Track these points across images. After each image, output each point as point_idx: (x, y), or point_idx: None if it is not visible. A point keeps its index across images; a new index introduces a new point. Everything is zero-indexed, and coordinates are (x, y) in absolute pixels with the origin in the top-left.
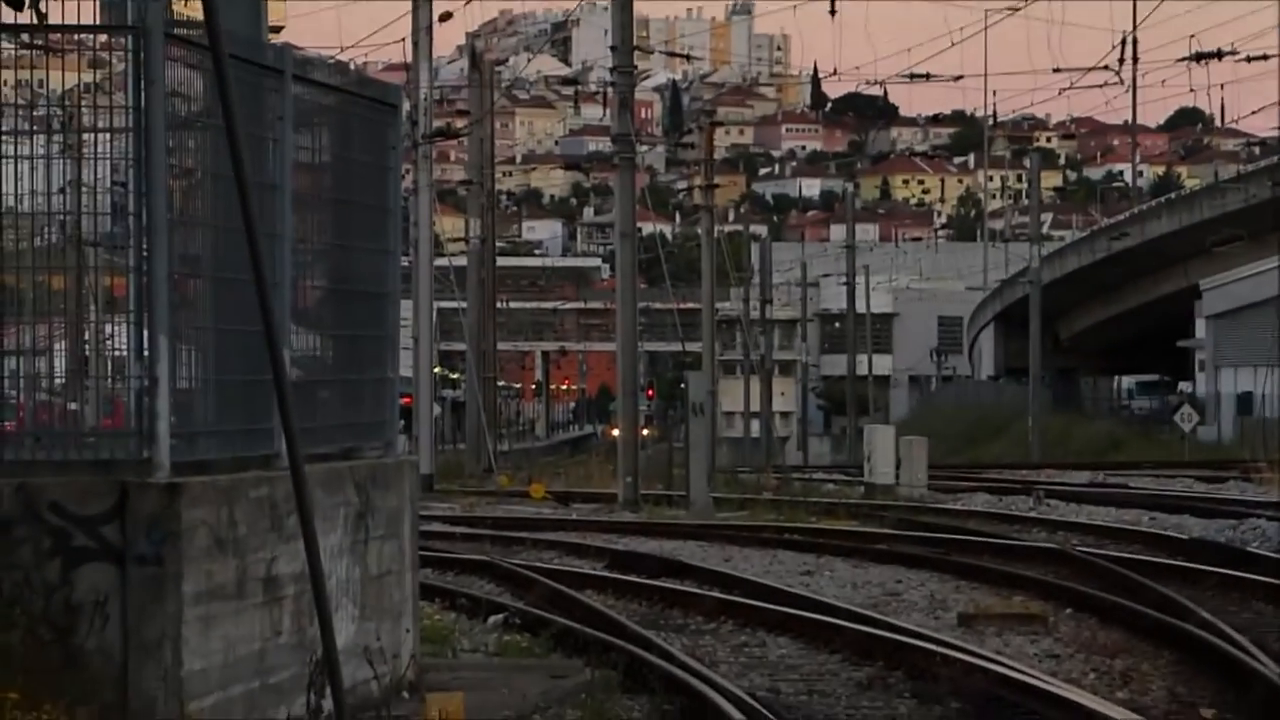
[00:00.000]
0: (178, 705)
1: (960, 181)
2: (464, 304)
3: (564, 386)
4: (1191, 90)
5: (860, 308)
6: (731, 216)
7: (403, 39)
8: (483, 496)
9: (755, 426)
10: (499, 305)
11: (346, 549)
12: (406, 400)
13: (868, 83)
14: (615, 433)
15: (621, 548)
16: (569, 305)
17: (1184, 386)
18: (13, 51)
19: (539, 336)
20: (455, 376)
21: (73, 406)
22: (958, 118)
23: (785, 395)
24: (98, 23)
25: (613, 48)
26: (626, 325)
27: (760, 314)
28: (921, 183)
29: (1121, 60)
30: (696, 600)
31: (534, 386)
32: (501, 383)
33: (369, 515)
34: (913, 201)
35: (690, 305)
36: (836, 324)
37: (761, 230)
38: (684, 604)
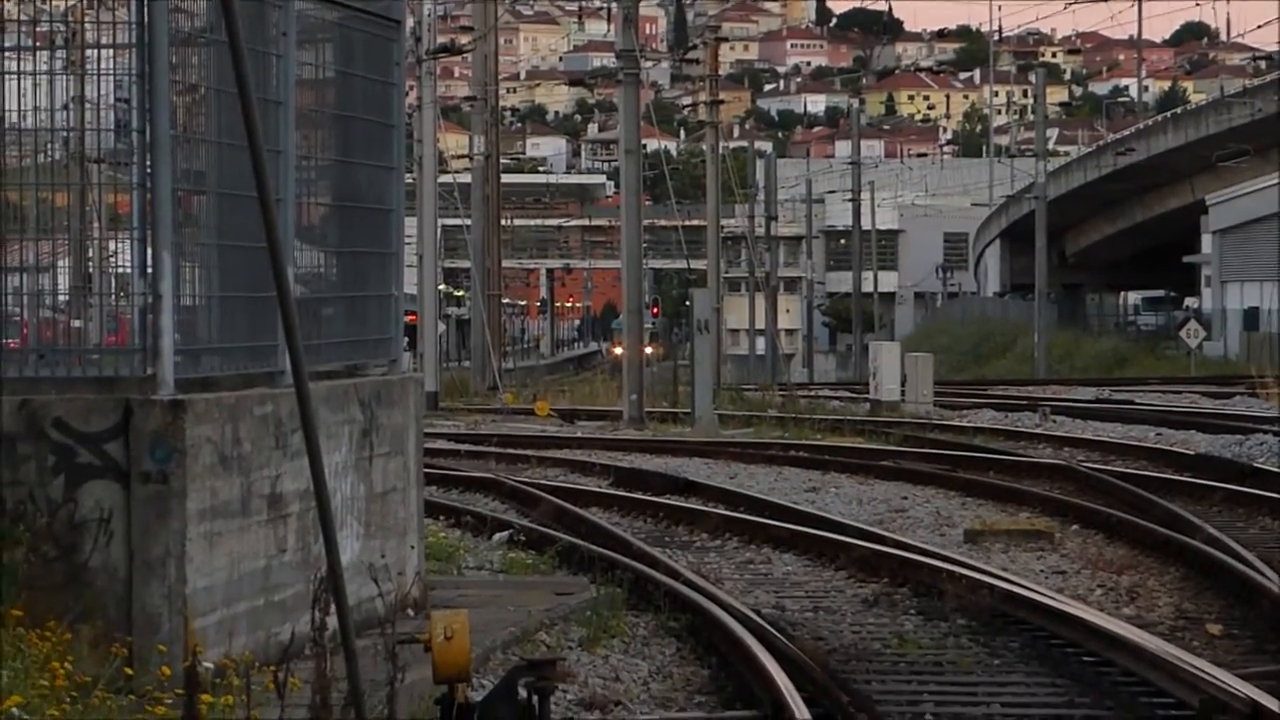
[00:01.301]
0: (182, 622)
1: (966, 97)
2: (468, 221)
3: (569, 304)
4: (1197, 4)
5: (865, 224)
6: (736, 133)
7: None
8: (487, 414)
9: (760, 344)
10: (503, 222)
11: (351, 466)
12: (411, 318)
13: None
14: (619, 350)
15: (626, 465)
16: (573, 222)
17: (1190, 302)
18: None
19: (544, 254)
20: (460, 294)
21: (77, 324)
22: (963, 33)
23: (790, 313)
24: None
25: None
26: (631, 242)
27: (765, 231)
28: (927, 99)
29: None
30: (702, 517)
31: (539, 304)
32: (506, 300)
33: (373, 432)
34: (918, 118)
35: (695, 222)
36: (842, 241)
37: (766, 147)
38: (689, 521)
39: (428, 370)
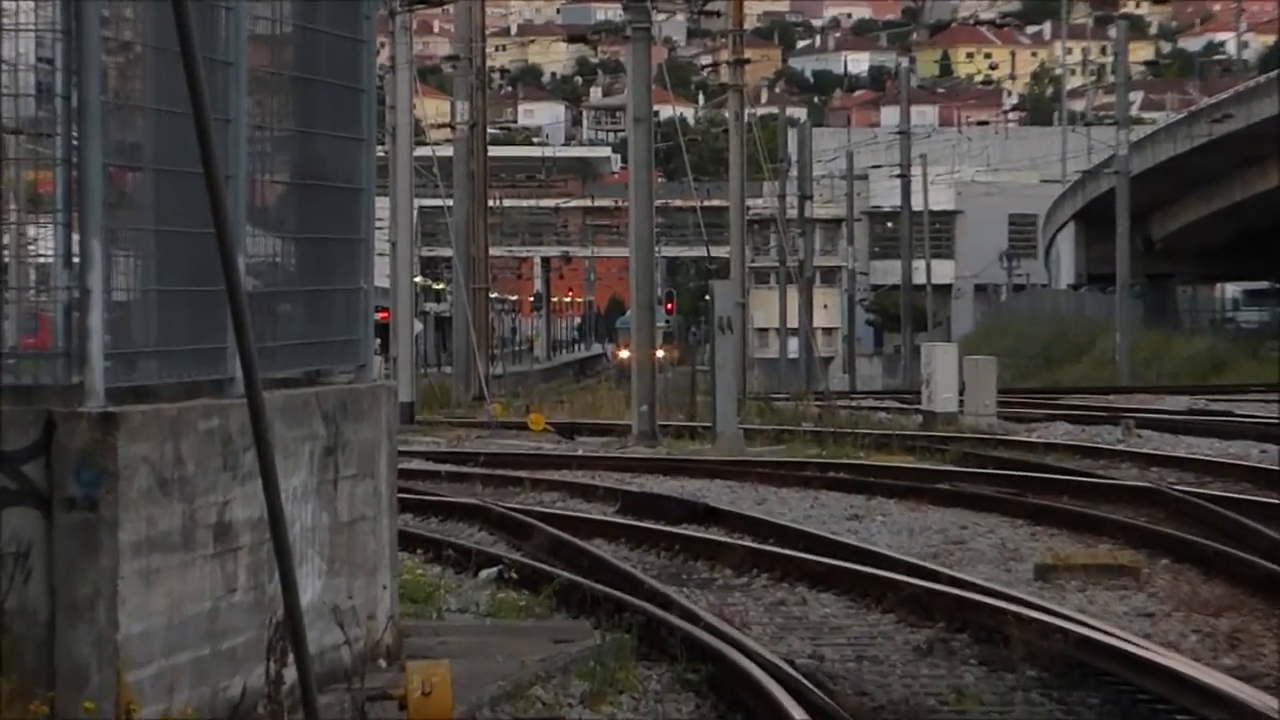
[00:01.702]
0: (113, 675)
1: (1034, 55)
2: (450, 202)
3: (568, 299)
4: None
5: (917, 204)
6: (765, 98)
7: None
8: (472, 429)
9: (793, 345)
10: (491, 203)
11: (312, 491)
12: (383, 315)
13: None
14: (626, 354)
15: (636, 489)
16: (573, 203)
17: None
18: None
19: (538, 240)
20: (440, 287)
21: None
22: None
23: (829, 308)
24: None
25: None
26: (641, 226)
27: (799, 213)
28: (988, 57)
29: None
30: (724, 550)
31: (532, 299)
32: (494, 295)
33: (339, 451)
34: (978, 79)
35: (716, 203)
36: (889, 224)
37: (800, 114)
38: (710, 555)
39: (402, 377)
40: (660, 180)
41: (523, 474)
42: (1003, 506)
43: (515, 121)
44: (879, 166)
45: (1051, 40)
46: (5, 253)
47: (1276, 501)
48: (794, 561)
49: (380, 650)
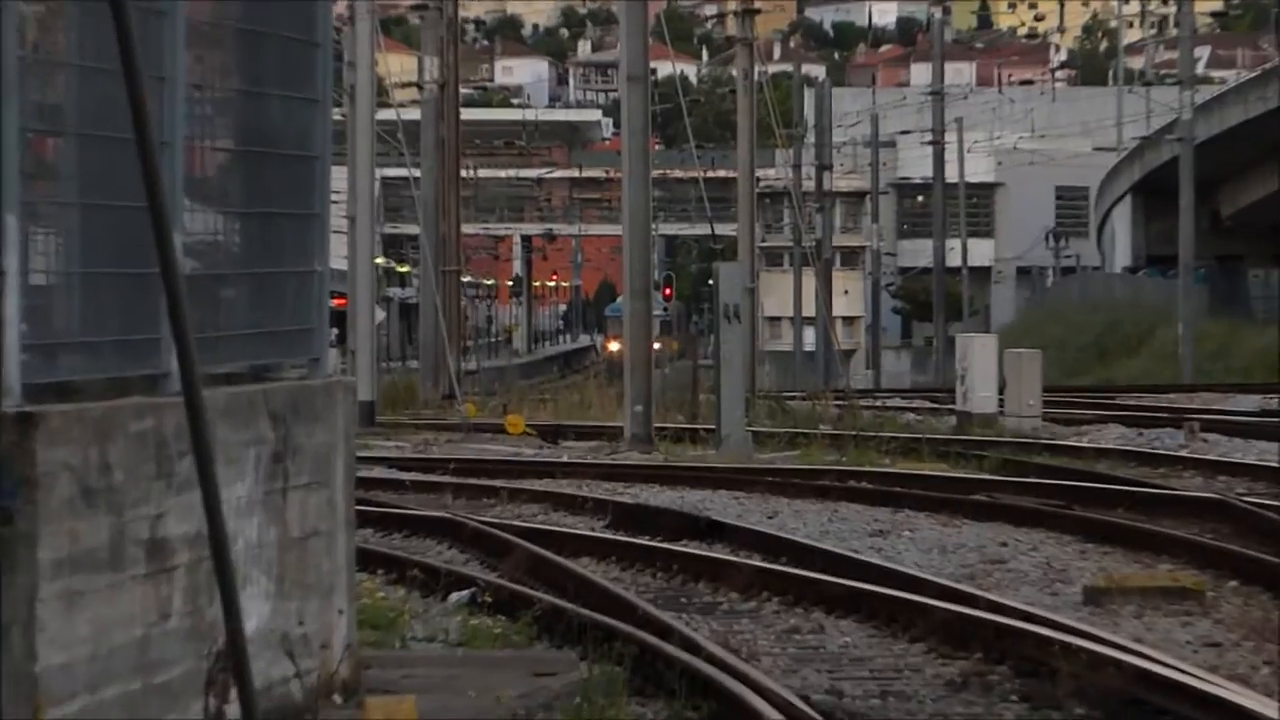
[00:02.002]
0: (29, 712)
1: (1085, 5)
2: (416, 172)
3: (551, 284)
4: None
5: (951, 176)
6: (778, 53)
7: None
8: (442, 432)
9: (809, 337)
10: (464, 174)
11: (258, 502)
12: (339, 302)
13: None
14: (616, 346)
15: (629, 500)
16: (558, 174)
17: None
18: None
19: (518, 216)
20: (405, 270)
21: None
22: None
23: (850, 294)
24: None
25: None
26: (636, 201)
27: (816, 185)
28: (1034, 7)
29: None
30: (730, 570)
31: (511, 283)
32: (468, 278)
33: (289, 457)
34: (1021, 32)
35: (722, 173)
36: (919, 198)
37: (818, 72)
38: (713, 575)
39: (361, 373)
40: (658, 148)
41: (499, 483)
42: (1048, 520)
43: (492, 80)
44: (908, 132)
45: None
46: None
47: None
48: (809, 583)
49: (336, 684)
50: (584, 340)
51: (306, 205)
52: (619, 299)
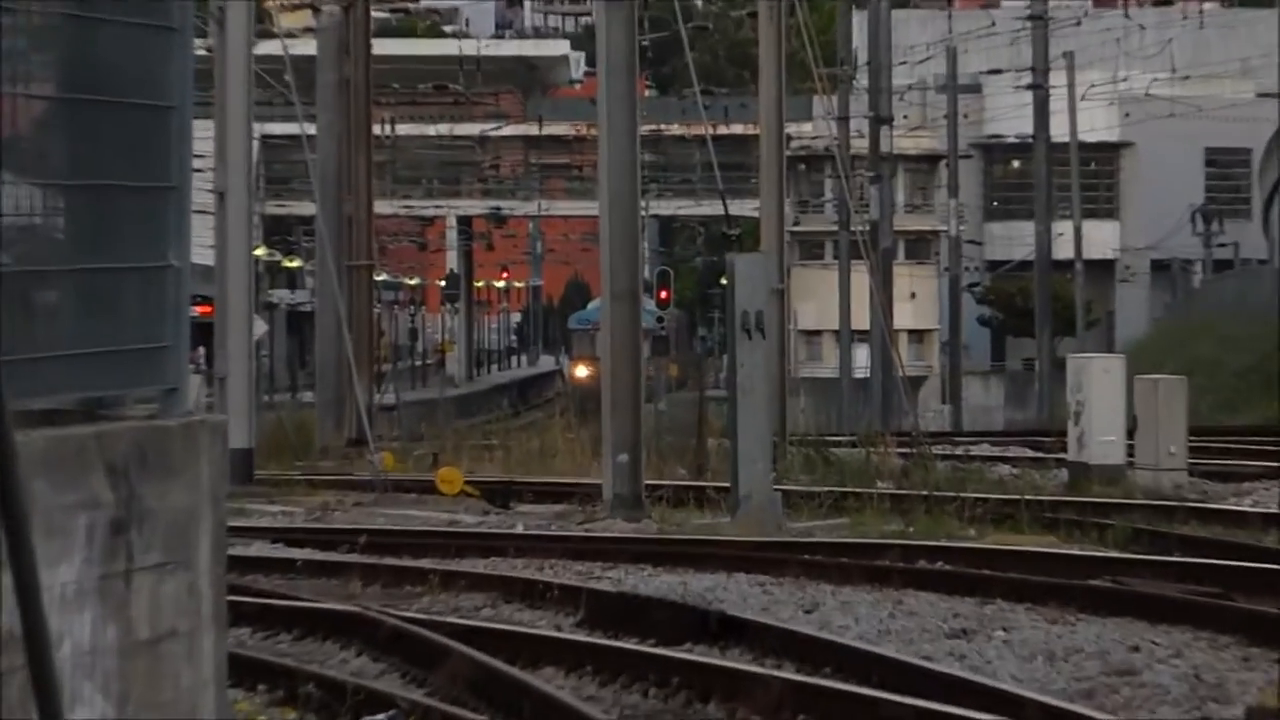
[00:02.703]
0: None
1: None
2: (311, 128)
3: (500, 283)
4: None
5: (1058, 133)
6: None
7: None
8: (348, 492)
9: (861, 357)
10: (378, 130)
11: (92, 590)
12: (204, 310)
13: None
14: (582, 371)
15: (610, 587)
16: (509, 130)
17: None
18: None
19: (454, 190)
20: (296, 265)
21: None
22: None
23: (920, 299)
24: None
25: None
26: (619, 168)
27: (870, 146)
28: None
29: None
30: (751, 686)
31: (444, 284)
32: (383, 276)
33: (134, 526)
34: None
35: (737, 129)
36: (1013, 164)
37: None
38: (728, 692)
39: (235, 409)
40: (648, 94)
41: (428, 564)
42: (1197, 615)
43: (417, 1)
44: (998, 72)
45: None
46: None
47: None
48: (864, 705)
49: None
50: (546, 363)
51: (158, 175)
52: (593, 304)
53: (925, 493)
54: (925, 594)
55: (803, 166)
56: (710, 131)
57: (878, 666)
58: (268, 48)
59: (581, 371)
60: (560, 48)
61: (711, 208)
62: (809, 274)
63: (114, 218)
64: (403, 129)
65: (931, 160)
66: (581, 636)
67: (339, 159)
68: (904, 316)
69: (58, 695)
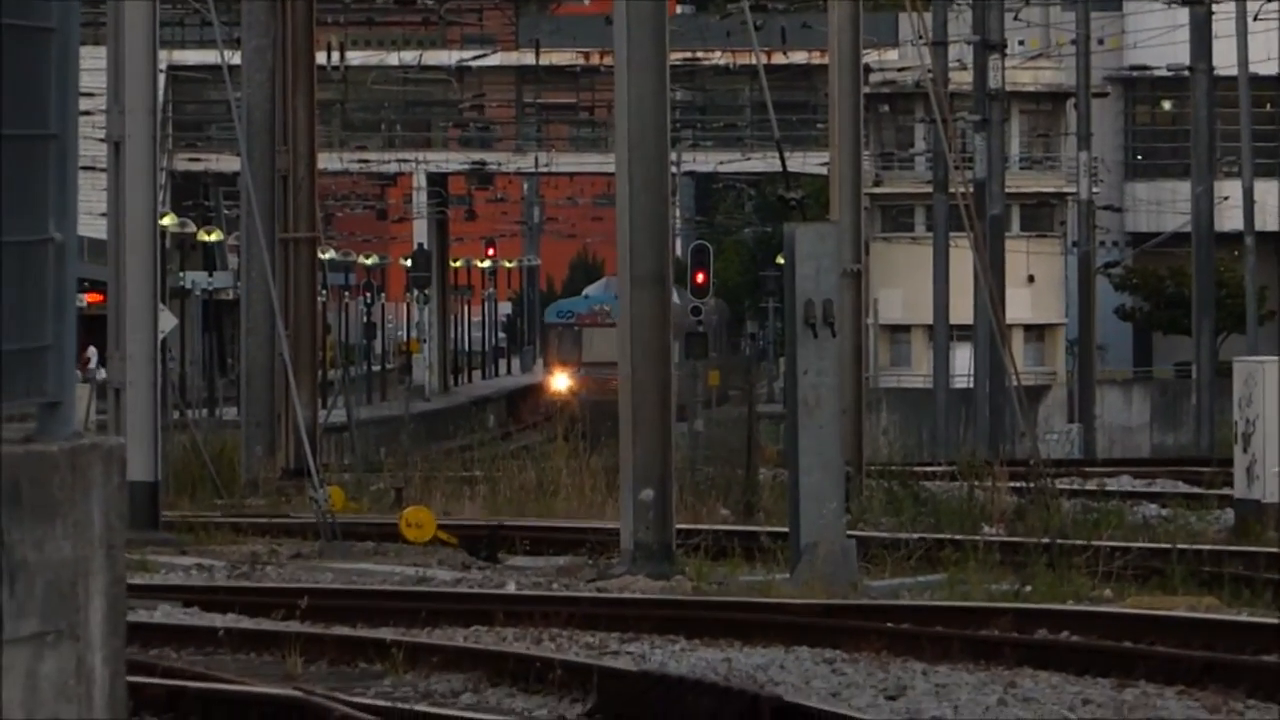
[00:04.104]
0: None
1: None
2: (235, 57)
3: (485, 263)
4: None
5: (1224, 64)
6: None
7: None
8: (284, 539)
9: (961, 362)
10: (322, 59)
11: None
12: (94, 298)
13: None
14: (561, 383)
15: (629, 665)
16: (496, 59)
17: None
18: None
19: (423, 139)
20: (214, 238)
21: None
22: None
23: (1040, 283)
24: None
25: None
26: (642, 109)
27: (975, 80)
28: None
29: None
30: None
31: (409, 263)
32: (330, 254)
33: (2, 583)
34: None
35: (799, 58)
36: (1164, 104)
37: None
38: None
39: (135, 430)
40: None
41: (389, 634)
42: None
43: None
44: None
45: None
46: None
47: None
48: None
49: None
50: (541, 369)
51: (32, 120)
52: (591, 288)
53: (1046, 540)
54: (1046, 674)
55: (885, 108)
56: (763, 60)
57: None
58: None
59: (561, 382)
60: None
61: (764, 162)
62: (894, 250)
63: None
64: (355, 57)
65: (1056, 99)
66: None
67: (271, 98)
68: (1019, 307)
69: None
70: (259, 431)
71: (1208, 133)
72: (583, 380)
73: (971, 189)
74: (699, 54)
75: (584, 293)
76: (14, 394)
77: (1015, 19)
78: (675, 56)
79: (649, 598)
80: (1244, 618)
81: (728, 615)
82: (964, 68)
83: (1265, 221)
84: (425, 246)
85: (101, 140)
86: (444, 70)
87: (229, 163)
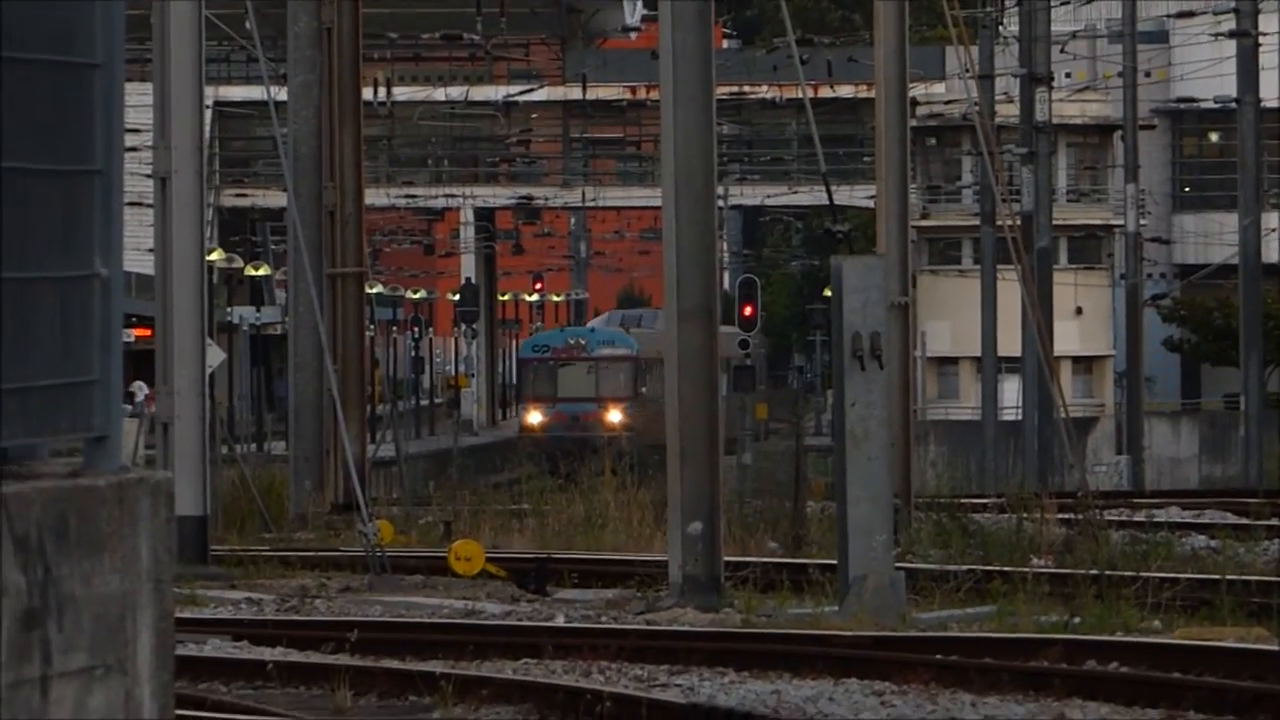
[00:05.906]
0: None
1: None
2: (281, 94)
3: (533, 297)
4: None
5: (1271, 95)
6: None
7: None
8: (333, 573)
9: (1010, 394)
10: (369, 95)
11: None
12: (141, 334)
13: None
14: (534, 419)
15: (678, 698)
16: (542, 95)
17: None
18: None
19: (470, 175)
20: (261, 273)
21: None
22: None
23: (1087, 315)
24: None
25: None
26: (688, 142)
27: (1023, 113)
28: None
29: None
30: None
31: (456, 298)
32: (377, 289)
33: (51, 618)
34: None
35: (845, 92)
36: (1211, 136)
37: None
38: None
39: (183, 465)
40: (727, 44)
41: (439, 667)
42: None
43: None
44: (1190, 15)
45: None
46: None
47: None
48: None
49: None
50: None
51: (78, 155)
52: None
53: (1095, 572)
54: (1095, 705)
55: (932, 140)
56: (809, 94)
57: None
58: None
59: (535, 418)
60: None
61: (811, 196)
62: (941, 283)
63: (20, 211)
64: (402, 92)
65: (1103, 131)
66: None
67: (318, 133)
68: (1067, 339)
69: None
70: (308, 466)
71: (1255, 164)
72: (555, 415)
73: (1019, 221)
74: (745, 88)
75: (589, 324)
76: (57, 429)
77: (1061, 52)
78: (722, 90)
79: (698, 630)
80: None
81: (776, 648)
82: (1010, 100)
83: None
84: (473, 281)
85: (149, 176)
86: (491, 105)
87: (276, 198)
